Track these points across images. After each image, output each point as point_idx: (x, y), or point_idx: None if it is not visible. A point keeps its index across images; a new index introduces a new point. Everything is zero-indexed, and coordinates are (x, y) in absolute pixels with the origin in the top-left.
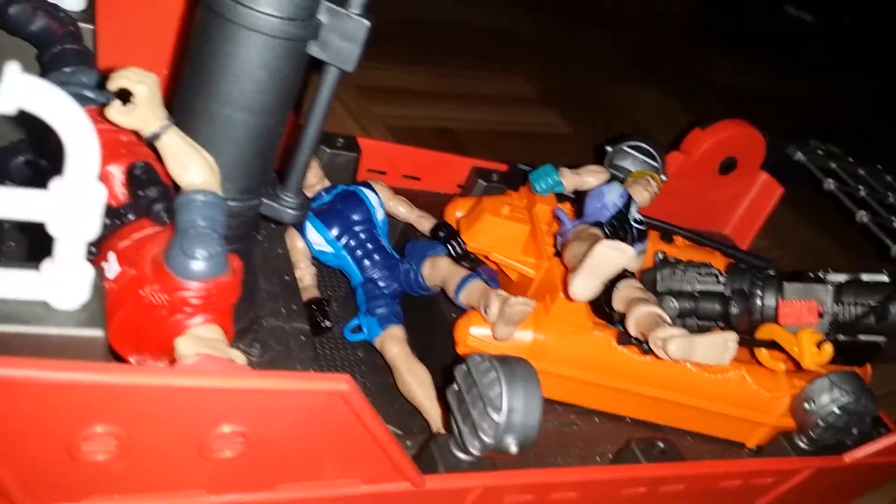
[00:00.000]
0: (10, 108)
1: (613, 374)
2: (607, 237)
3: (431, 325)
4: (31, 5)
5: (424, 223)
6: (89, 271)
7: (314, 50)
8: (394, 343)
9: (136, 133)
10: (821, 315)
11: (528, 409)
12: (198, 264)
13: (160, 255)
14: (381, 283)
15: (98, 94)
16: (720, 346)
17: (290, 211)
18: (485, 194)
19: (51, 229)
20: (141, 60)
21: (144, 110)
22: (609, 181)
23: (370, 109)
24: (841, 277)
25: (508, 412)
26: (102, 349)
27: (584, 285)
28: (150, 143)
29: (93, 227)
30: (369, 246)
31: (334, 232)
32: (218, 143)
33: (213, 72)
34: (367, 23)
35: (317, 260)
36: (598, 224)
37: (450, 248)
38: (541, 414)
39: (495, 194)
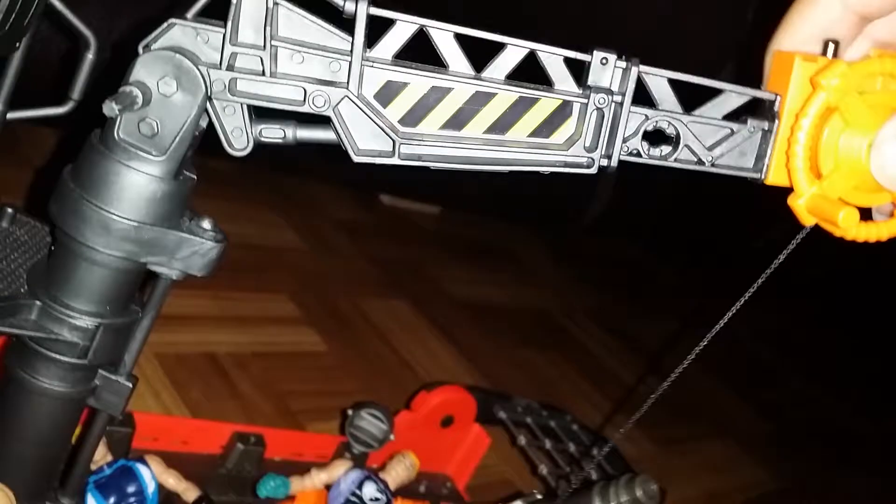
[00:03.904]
0: None
1: None
2: None
3: None
4: None
5: (189, 494)
6: None
7: (91, 401)
8: None
9: None
10: None
11: None
12: None
13: None
14: None
15: None
16: None
17: None
18: (242, 457)
19: None
20: None
21: None
22: (352, 468)
23: None
24: None
25: None
26: None
27: None
28: None
29: None
30: None
31: (110, 502)
32: (13, 469)
33: (11, 422)
34: (130, 385)
35: None
36: None
37: None
38: None
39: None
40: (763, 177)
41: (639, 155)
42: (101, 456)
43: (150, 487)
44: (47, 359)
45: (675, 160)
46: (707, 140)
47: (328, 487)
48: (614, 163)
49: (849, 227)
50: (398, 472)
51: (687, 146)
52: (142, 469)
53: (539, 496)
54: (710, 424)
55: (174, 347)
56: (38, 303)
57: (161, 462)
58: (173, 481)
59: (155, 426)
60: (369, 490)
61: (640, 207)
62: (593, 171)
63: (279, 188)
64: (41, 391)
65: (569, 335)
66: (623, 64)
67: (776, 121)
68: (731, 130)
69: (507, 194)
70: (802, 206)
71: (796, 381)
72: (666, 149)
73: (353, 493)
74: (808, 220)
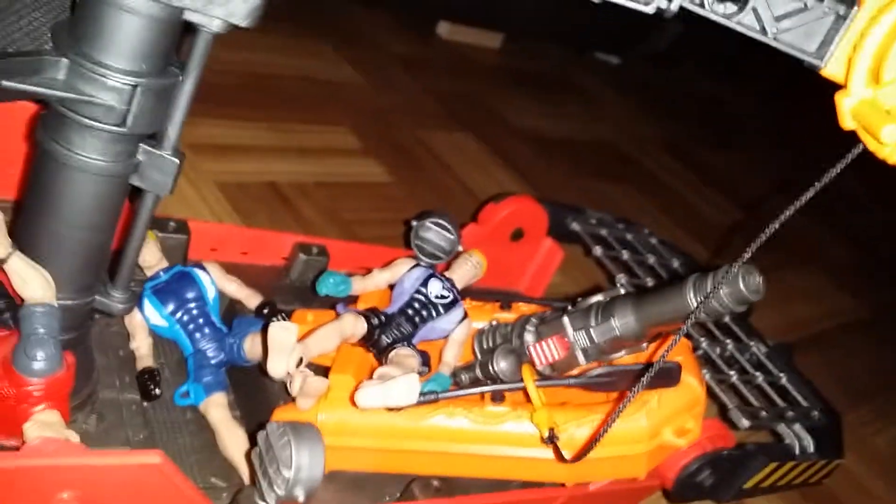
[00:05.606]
0: None
1: (397, 437)
2: (408, 317)
3: (256, 392)
4: None
5: (252, 300)
6: None
7: (135, 179)
8: (215, 408)
9: None
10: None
11: (312, 465)
12: (38, 364)
13: (8, 357)
14: (209, 354)
15: None
16: (405, 385)
17: (118, 305)
18: (305, 267)
19: None
20: None
21: None
22: (413, 266)
23: (200, 166)
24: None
25: (296, 469)
26: None
27: (273, 364)
28: None
29: None
30: (200, 321)
31: (169, 308)
32: (57, 255)
33: (50, 201)
34: (176, 161)
35: (153, 331)
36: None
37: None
38: (322, 468)
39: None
40: (823, 64)
41: (702, 5)
42: (157, 261)
43: (211, 293)
44: (82, 126)
45: (738, 22)
46: (777, 9)
47: (392, 288)
48: (675, 7)
49: (892, 146)
50: (464, 271)
51: (754, 9)
52: (200, 274)
53: (622, 290)
54: (796, 253)
55: (235, 176)
56: (65, 60)
57: (220, 268)
58: (235, 287)
59: (212, 235)
60: (435, 287)
61: (715, 32)
62: (649, 10)
63: (329, 20)
64: (79, 166)
65: (641, 167)
66: None
67: (855, 7)
68: (805, 5)
69: (569, 18)
70: (848, 107)
71: (885, 209)
72: (731, 7)
73: (418, 291)
74: (847, 124)
